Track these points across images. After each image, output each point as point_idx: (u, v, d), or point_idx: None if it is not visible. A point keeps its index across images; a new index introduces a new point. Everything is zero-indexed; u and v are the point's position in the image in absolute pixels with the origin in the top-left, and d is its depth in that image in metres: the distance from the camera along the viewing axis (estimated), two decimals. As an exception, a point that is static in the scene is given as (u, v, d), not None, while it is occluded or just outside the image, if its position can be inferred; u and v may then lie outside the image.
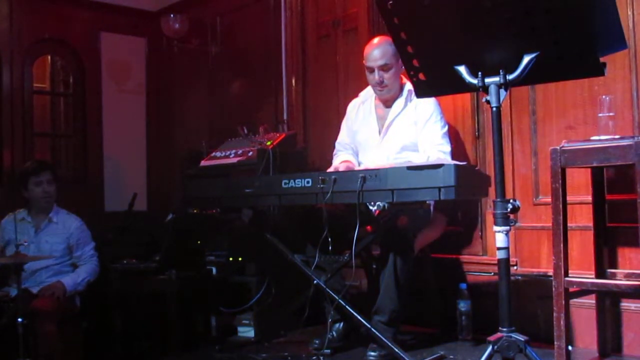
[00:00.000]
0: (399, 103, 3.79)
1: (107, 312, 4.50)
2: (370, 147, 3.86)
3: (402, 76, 3.79)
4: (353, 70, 4.72)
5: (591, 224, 3.31)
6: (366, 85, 4.02)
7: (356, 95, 4.10)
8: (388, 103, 3.84)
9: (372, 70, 3.73)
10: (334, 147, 4.14)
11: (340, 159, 3.98)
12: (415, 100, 3.72)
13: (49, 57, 6.23)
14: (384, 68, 3.69)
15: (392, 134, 3.79)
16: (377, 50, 3.70)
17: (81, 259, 4.35)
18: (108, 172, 6.16)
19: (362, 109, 3.98)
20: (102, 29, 6.16)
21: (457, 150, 4.00)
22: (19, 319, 3.45)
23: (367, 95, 3.98)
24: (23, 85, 5.71)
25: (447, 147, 3.66)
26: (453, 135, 3.98)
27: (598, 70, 2.16)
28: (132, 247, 4.89)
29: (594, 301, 3.31)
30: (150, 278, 4.34)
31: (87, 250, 4.39)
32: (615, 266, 3.36)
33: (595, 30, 2.10)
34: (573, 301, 3.21)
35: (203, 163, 4.47)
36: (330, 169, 3.67)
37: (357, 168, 3.82)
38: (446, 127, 3.72)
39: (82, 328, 4.30)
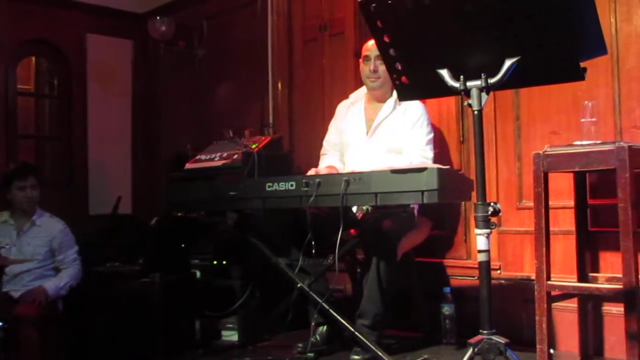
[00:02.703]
0: (389, 105, 3.82)
1: (90, 315, 4.47)
2: (356, 147, 3.88)
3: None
4: (339, 74, 4.73)
5: (573, 229, 3.33)
6: (353, 88, 4.04)
7: (344, 98, 4.11)
8: (378, 101, 3.87)
9: (368, 59, 3.79)
10: (320, 149, 4.15)
11: (326, 163, 3.99)
12: (404, 103, 3.74)
13: (34, 59, 6.22)
14: (381, 58, 3.73)
15: (379, 135, 3.81)
16: None
17: (64, 262, 4.32)
18: (93, 175, 6.13)
19: (351, 110, 4.01)
20: (88, 31, 6.15)
21: (442, 155, 4.02)
22: (0, 323, 3.43)
23: (358, 97, 4.01)
24: (7, 87, 5.68)
25: (430, 153, 3.69)
26: (438, 140, 3.99)
27: (579, 74, 2.17)
28: (116, 250, 4.86)
29: (576, 305, 3.33)
30: (133, 281, 4.32)
31: (70, 254, 4.35)
32: (597, 270, 3.39)
33: (575, 35, 2.12)
34: (556, 305, 3.24)
35: (188, 166, 4.44)
36: (311, 172, 3.67)
37: (340, 171, 3.84)
38: (432, 134, 3.75)
39: (65, 332, 4.27)
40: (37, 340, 3.82)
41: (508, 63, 2.21)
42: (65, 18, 6.02)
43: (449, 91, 2.36)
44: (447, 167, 2.99)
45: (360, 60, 3.88)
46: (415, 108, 3.73)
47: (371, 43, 3.78)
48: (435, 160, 3.62)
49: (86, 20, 6.13)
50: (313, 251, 3.23)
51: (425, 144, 3.70)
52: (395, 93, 3.78)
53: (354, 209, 3.50)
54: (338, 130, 4.04)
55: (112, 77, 6.30)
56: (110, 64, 6.30)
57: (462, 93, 2.32)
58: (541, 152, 3.01)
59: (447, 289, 3.80)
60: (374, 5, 2.36)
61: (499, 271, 3.80)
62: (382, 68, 3.74)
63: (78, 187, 6.05)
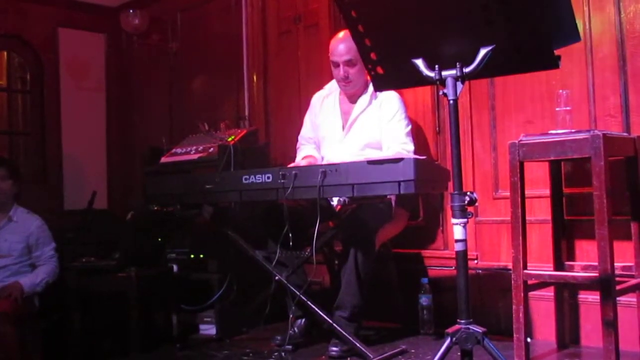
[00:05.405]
0: (364, 99, 3.79)
1: (66, 311, 4.42)
2: (333, 143, 3.85)
3: (367, 73, 3.79)
4: (314, 66, 4.71)
5: (549, 217, 3.36)
6: (328, 80, 4.02)
7: (319, 89, 4.09)
8: (353, 99, 3.83)
9: (337, 65, 3.71)
10: (296, 142, 4.15)
11: (303, 154, 3.97)
12: (380, 97, 3.72)
13: (6, 54, 6.13)
14: (350, 63, 3.67)
15: (355, 130, 3.78)
16: (343, 45, 3.66)
17: (40, 259, 4.28)
18: (67, 170, 6.06)
19: (326, 102, 3.97)
20: (60, 25, 6.06)
21: (419, 147, 4.01)
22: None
23: (332, 89, 3.97)
24: (-22, 83, 5.60)
25: (411, 146, 3.67)
26: (415, 131, 3.99)
27: (553, 62, 2.18)
28: (92, 246, 4.80)
29: (552, 293, 3.36)
30: (109, 276, 4.28)
31: (47, 250, 4.31)
32: (573, 259, 3.42)
33: (549, 22, 2.12)
34: (532, 294, 3.25)
35: (163, 160, 4.41)
36: (292, 165, 3.66)
37: (320, 163, 3.83)
38: (410, 126, 3.74)
39: (41, 328, 4.23)
40: (13, 335, 3.78)
41: (483, 52, 2.21)
42: (37, 12, 5.93)
43: (424, 81, 2.35)
44: (424, 157, 2.99)
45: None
46: (391, 101, 3.71)
47: (337, 48, 3.69)
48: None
49: (58, 14, 6.04)
50: (290, 244, 3.22)
51: (405, 135, 3.68)
52: (370, 88, 3.75)
53: (334, 201, 3.50)
54: (313, 125, 4.02)
55: (85, 72, 6.23)
56: (83, 59, 6.22)
57: (438, 82, 2.31)
58: (516, 141, 3.02)
59: (424, 280, 3.81)
60: (348, -5, 2.35)
61: (476, 261, 3.81)
62: (352, 71, 3.68)
63: (53, 183, 5.98)
